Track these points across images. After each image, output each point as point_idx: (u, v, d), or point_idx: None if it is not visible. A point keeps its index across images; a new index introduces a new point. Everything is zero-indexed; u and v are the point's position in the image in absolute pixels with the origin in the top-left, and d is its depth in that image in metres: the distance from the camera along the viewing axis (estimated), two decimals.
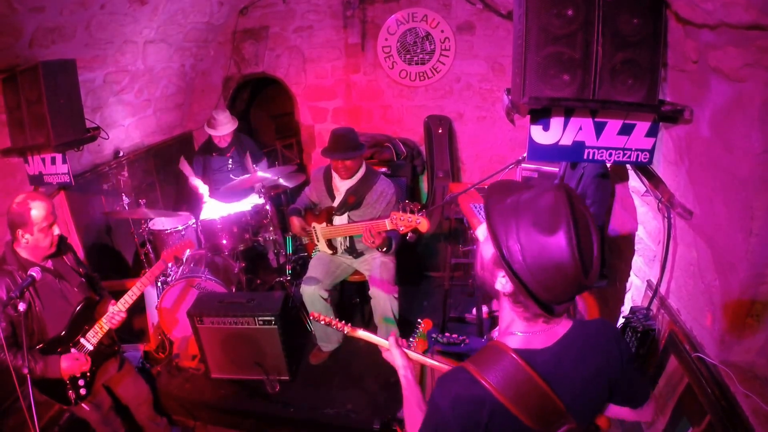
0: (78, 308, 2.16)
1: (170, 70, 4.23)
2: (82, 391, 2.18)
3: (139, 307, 3.41)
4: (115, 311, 2.19)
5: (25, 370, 1.83)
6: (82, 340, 2.16)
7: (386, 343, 1.41)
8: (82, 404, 2.21)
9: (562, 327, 1.07)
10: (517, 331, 1.06)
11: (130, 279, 2.31)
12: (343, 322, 1.59)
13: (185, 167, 3.95)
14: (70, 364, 2.07)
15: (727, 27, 1.19)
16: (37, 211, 2.00)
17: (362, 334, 1.52)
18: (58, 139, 2.49)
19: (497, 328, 1.16)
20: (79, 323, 2.17)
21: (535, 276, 0.96)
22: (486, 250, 1.06)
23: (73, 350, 2.12)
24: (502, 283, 1.02)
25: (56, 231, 2.09)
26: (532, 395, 0.98)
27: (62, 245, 2.23)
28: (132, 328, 3.47)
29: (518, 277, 0.97)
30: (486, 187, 3.30)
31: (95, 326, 2.18)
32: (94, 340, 2.18)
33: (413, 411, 1.26)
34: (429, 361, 1.41)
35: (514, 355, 1.00)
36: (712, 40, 1.31)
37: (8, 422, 2.59)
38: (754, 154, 1.28)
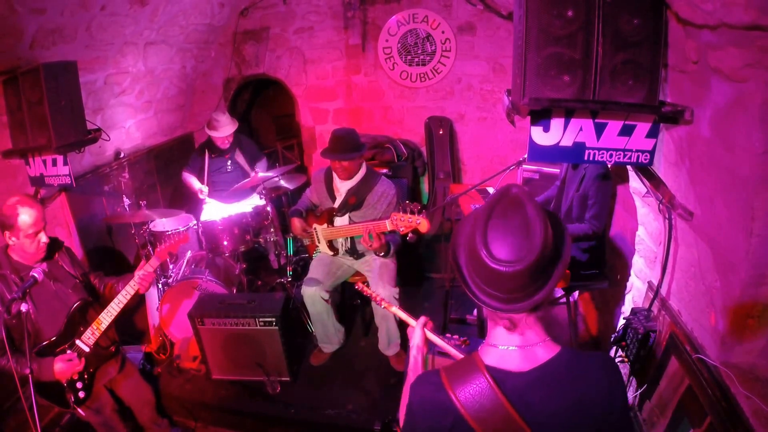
0: (73, 309, 2.14)
1: (171, 71, 4.23)
2: (81, 394, 2.17)
3: (140, 309, 3.42)
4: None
5: (27, 370, 1.83)
6: (77, 341, 2.14)
7: (413, 322, 1.54)
8: (81, 409, 2.19)
9: (545, 352, 1.02)
10: (497, 343, 1.05)
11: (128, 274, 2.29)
12: (381, 297, 1.86)
13: (188, 180, 3.91)
14: (64, 366, 2.05)
15: (727, 27, 1.19)
16: (25, 217, 1.98)
17: (395, 310, 1.71)
18: (59, 140, 2.50)
19: None
20: (75, 325, 2.15)
21: (468, 267, 1.03)
22: None
23: (68, 352, 2.11)
24: None
25: (43, 239, 2.06)
26: (498, 417, 0.97)
27: (55, 247, 2.21)
28: (133, 329, 3.47)
29: (458, 264, 1.05)
30: (487, 189, 3.31)
31: (91, 327, 2.17)
32: (90, 341, 2.16)
33: None
34: (447, 346, 1.51)
35: (486, 374, 0.99)
36: (712, 40, 1.30)
37: (9, 422, 2.59)
38: (755, 154, 1.28)
